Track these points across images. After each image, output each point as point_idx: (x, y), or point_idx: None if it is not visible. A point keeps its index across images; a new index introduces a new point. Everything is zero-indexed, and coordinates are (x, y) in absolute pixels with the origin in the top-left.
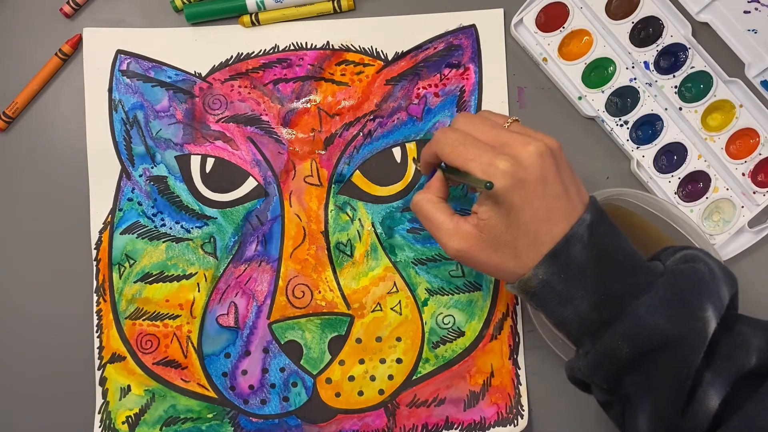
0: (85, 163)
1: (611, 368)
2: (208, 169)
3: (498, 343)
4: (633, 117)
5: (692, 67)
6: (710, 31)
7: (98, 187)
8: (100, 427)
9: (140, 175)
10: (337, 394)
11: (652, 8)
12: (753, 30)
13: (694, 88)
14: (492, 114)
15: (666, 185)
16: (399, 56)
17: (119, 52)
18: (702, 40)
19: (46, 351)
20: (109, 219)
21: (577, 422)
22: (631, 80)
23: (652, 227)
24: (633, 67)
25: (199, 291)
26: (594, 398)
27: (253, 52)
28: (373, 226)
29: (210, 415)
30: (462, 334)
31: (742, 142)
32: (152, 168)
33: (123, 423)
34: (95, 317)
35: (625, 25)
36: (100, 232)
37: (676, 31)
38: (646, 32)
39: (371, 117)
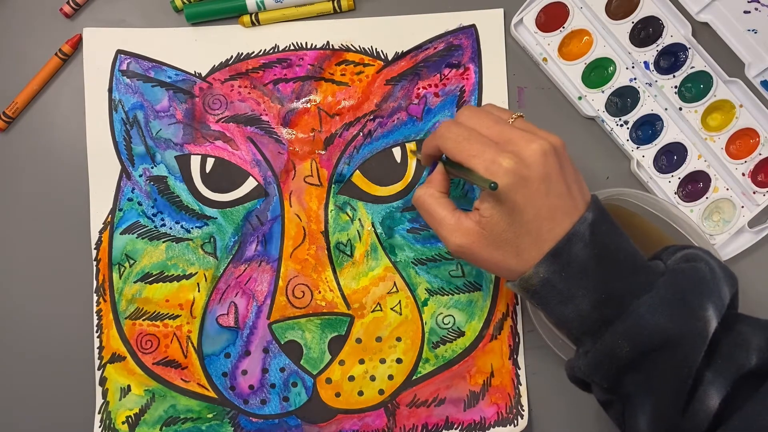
0: (85, 163)
1: (611, 367)
2: (208, 169)
3: (498, 343)
4: (633, 117)
5: (692, 67)
6: (710, 31)
7: (98, 187)
8: (100, 427)
9: (140, 175)
10: (337, 394)
11: (652, 8)
12: (753, 30)
13: (694, 88)
14: (496, 108)
15: (666, 185)
16: (399, 56)
17: (119, 52)
18: (702, 40)
19: (46, 351)
20: (109, 219)
21: (577, 422)
22: (631, 80)
23: (653, 227)
24: (633, 67)
25: (199, 291)
26: (594, 398)
27: (253, 52)
28: (373, 226)
29: (210, 415)
30: (462, 334)
31: (742, 142)
32: (152, 168)
33: (123, 423)
34: (95, 317)
35: (625, 25)
36: (100, 232)
37: (676, 31)
38: (646, 32)
39: (371, 117)
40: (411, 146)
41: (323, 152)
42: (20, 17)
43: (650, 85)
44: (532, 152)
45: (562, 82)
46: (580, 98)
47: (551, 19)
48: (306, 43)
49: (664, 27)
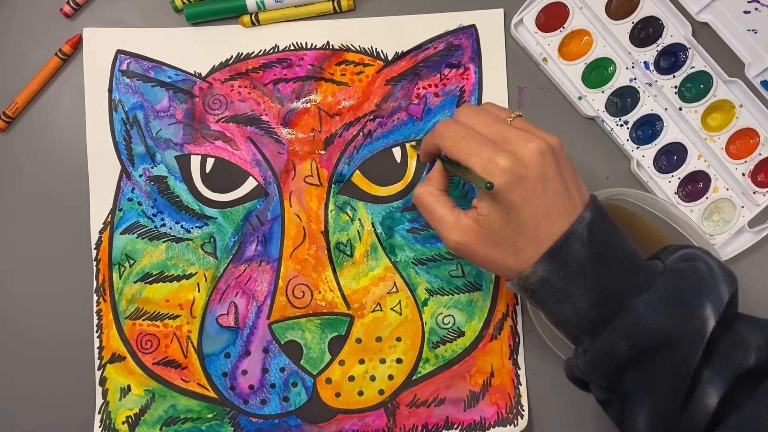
0: (85, 163)
1: (610, 366)
2: (208, 169)
3: (498, 343)
4: (633, 117)
5: (692, 67)
6: (710, 31)
7: (98, 187)
8: (100, 427)
9: (140, 175)
10: (337, 394)
11: (652, 8)
12: (753, 30)
13: (694, 88)
14: (495, 107)
15: (666, 185)
16: (399, 56)
17: (119, 52)
18: (702, 40)
19: (46, 351)
20: (109, 219)
21: (577, 422)
22: (631, 80)
23: (652, 227)
24: (633, 67)
25: (199, 291)
26: (593, 398)
27: (253, 52)
28: (373, 226)
29: (210, 415)
30: (462, 334)
31: (742, 142)
32: (152, 168)
33: (123, 423)
34: (95, 317)
35: (625, 25)
36: (100, 232)
37: (676, 31)
38: (646, 32)
39: (371, 117)
40: (411, 144)
41: (323, 152)
42: (20, 17)
43: (650, 85)
44: (529, 151)
45: (562, 82)
46: (580, 98)
47: (551, 19)
48: (306, 43)
49: (664, 27)
